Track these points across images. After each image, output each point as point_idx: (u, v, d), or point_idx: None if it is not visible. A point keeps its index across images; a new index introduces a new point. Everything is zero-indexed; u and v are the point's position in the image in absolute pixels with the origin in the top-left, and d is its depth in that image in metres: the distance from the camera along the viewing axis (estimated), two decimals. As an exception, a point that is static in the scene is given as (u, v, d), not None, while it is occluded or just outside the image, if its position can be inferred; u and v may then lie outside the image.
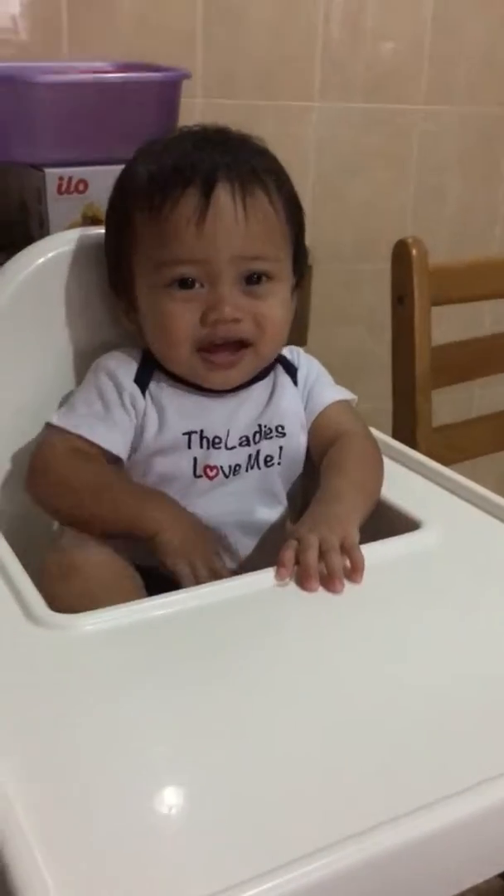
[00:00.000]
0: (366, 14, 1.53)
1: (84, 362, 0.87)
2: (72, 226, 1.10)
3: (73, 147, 1.12)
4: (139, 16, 1.36)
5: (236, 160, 0.77)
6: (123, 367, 0.81)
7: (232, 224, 0.75)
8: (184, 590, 0.68)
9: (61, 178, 1.10)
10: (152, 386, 0.81)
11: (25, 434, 0.85)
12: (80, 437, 0.78)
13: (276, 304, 0.79)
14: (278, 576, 0.67)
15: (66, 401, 0.84)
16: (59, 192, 1.11)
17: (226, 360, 0.78)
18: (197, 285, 0.76)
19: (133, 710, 0.55)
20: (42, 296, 0.85)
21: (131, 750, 0.52)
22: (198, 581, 0.71)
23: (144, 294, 0.79)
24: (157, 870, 0.44)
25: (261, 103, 1.49)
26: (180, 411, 0.80)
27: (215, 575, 0.72)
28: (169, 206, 0.75)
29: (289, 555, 0.68)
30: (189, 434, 0.80)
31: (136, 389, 0.80)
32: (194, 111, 1.39)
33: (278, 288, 0.79)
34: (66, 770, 0.50)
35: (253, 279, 0.77)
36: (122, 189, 0.82)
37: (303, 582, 0.67)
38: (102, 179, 1.10)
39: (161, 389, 0.81)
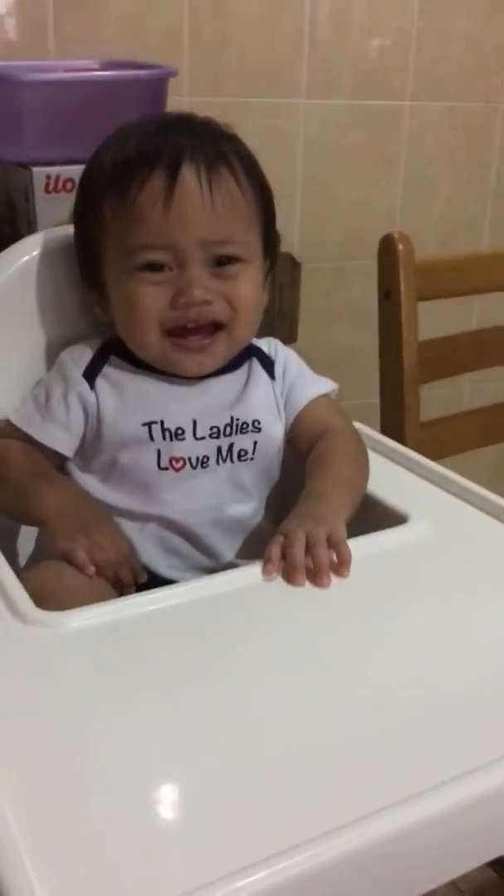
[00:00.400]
0: (353, 10, 1.53)
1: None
2: (59, 224, 1.10)
3: (60, 146, 1.11)
4: (126, 14, 1.36)
5: (202, 142, 0.76)
6: (75, 360, 0.82)
7: (199, 206, 0.74)
8: (171, 586, 0.68)
9: (49, 177, 1.10)
10: (108, 375, 0.80)
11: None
12: (24, 433, 0.80)
13: (247, 285, 0.78)
14: (265, 572, 0.67)
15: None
16: (47, 190, 1.10)
17: (198, 344, 0.78)
18: (166, 269, 0.76)
19: (122, 707, 0.55)
20: (29, 293, 0.85)
21: (121, 746, 0.52)
22: (97, 564, 0.71)
23: (114, 281, 0.78)
24: (149, 868, 0.44)
25: (248, 100, 1.49)
26: (139, 400, 0.79)
27: (114, 555, 0.72)
28: (135, 190, 0.74)
29: (275, 550, 0.68)
30: (149, 425, 0.78)
31: (83, 384, 0.80)
32: (182, 109, 1.38)
33: (249, 270, 0.78)
34: (55, 768, 0.50)
35: (222, 261, 0.77)
36: (88, 177, 0.81)
37: (289, 576, 0.67)
38: (90, 178, 1.11)
39: (119, 378, 0.80)
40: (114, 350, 0.82)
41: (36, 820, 0.46)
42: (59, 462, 0.81)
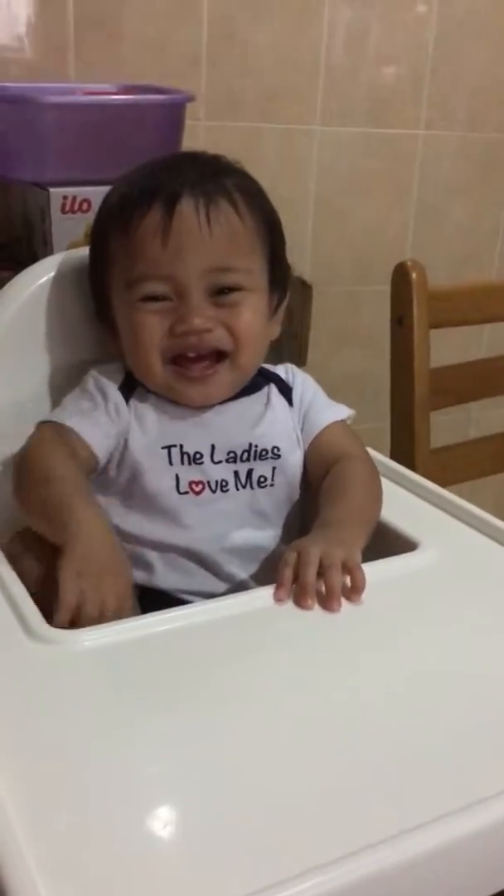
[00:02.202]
0: (368, 39, 1.54)
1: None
2: (74, 244, 1.11)
3: (77, 167, 1.12)
4: (145, 38, 1.37)
5: (202, 177, 0.77)
6: (110, 376, 0.82)
7: (196, 237, 0.75)
8: (182, 607, 0.68)
9: (65, 198, 1.11)
10: (136, 397, 0.81)
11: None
12: (62, 426, 0.78)
13: (248, 313, 0.78)
14: (277, 598, 0.67)
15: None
16: (63, 211, 1.11)
17: (201, 374, 0.78)
18: (167, 300, 0.76)
19: (130, 726, 0.55)
20: (45, 314, 0.86)
21: (128, 765, 0.52)
22: (81, 617, 0.65)
23: (120, 315, 0.80)
24: (153, 884, 0.44)
25: (263, 126, 1.50)
26: (160, 425, 0.80)
27: (106, 618, 0.65)
28: (135, 224, 0.76)
29: (288, 573, 0.68)
30: (168, 448, 0.79)
31: (119, 398, 0.80)
32: (198, 133, 1.40)
33: (252, 298, 0.79)
34: (63, 784, 0.50)
35: (224, 291, 0.77)
36: (99, 216, 0.83)
37: (298, 599, 0.67)
38: (106, 199, 1.12)
39: (143, 402, 0.81)
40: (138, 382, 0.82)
41: (42, 834, 0.46)
42: (90, 468, 0.79)
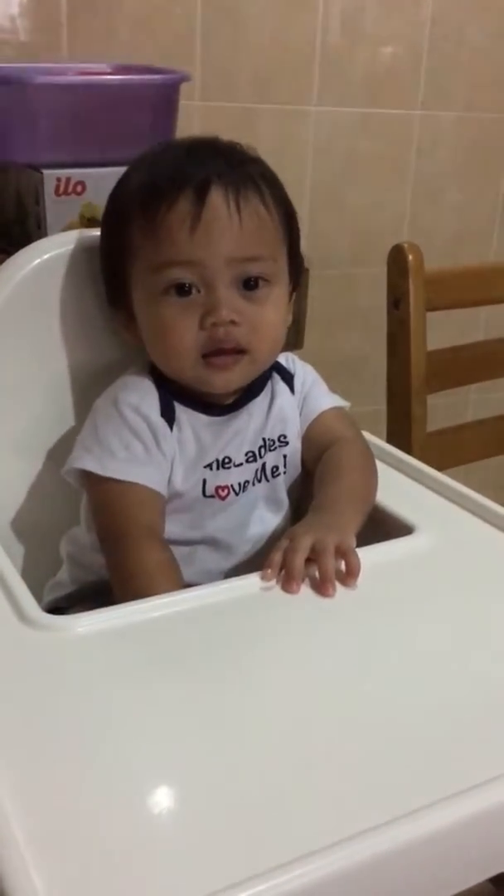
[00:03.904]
0: (364, 18, 1.53)
1: (81, 367, 0.87)
2: (69, 226, 1.10)
3: (71, 148, 1.11)
4: (138, 18, 1.36)
5: (229, 165, 0.77)
6: (146, 400, 0.79)
7: (226, 225, 0.75)
8: (178, 591, 0.68)
9: (59, 180, 1.10)
10: (176, 419, 0.79)
11: (19, 443, 0.86)
12: (136, 484, 0.76)
13: (272, 311, 0.78)
14: (263, 577, 0.68)
15: (88, 441, 0.79)
16: (57, 193, 1.10)
17: (224, 362, 0.78)
18: (194, 291, 0.76)
19: (126, 712, 0.55)
20: (40, 297, 0.85)
21: (125, 752, 0.52)
22: None
23: (142, 304, 0.78)
24: (151, 872, 0.44)
25: (259, 106, 1.49)
26: (196, 441, 0.80)
27: None
28: (164, 210, 0.75)
29: (277, 556, 0.69)
30: (209, 465, 0.80)
31: (165, 427, 0.78)
32: (193, 114, 1.39)
33: (276, 293, 0.79)
34: (59, 772, 0.50)
35: (250, 283, 0.77)
36: (116, 200, 0.82)
37: (284, 583, 0.67)
38: (100, 181, 1.11)
39: (180, 421, 0.80)
40: (167, 384, 0.80)
41: (40, 823, 0.46)
42: (162, 510, 0.78)
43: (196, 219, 0.74)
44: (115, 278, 0.82)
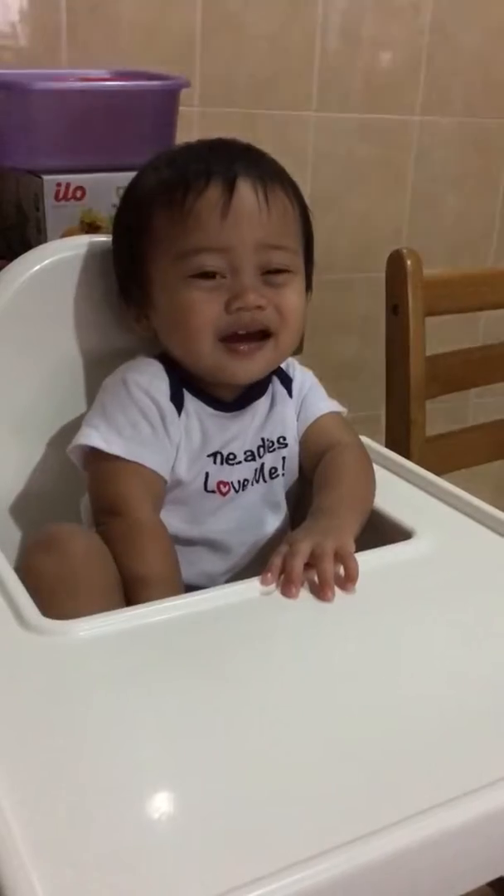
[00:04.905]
0: (363, 25, 1.53)
1: (80, 371, 0.87)
2: (69, 232, 1.10)
3: (71, 154, 1.12)
4: (138, 24, 1.37)
5: (252, 160, 0.79)
6: (155, 383, 0.79)
7: (255, 212, 0.76)
8: (177, 597, 0.68)
9: (59, 185, 1.11)
10: (185, 405, 0.80)
11: (22, 445, 0.86)
12: (139, 465, 0.76)
13: (294, 295, 0.79)
14: (262, 581, 0.68)
15: (95, 419, 0.79)
16: (57, 198, 1.11)
17: (248, 349, 0.78)
18: (219, 276, 0.76)
19: (126, 716, 0.55)
20: (39, 303, 0.85)
21: (124, 756, 0.52)
22: None
23: (164, 292, 0.78)
24: (150, 875, 0.44)
25: (258, 112, 1.50)
26: (202, 432, 0.80)
27: None
28: (192, 198, 0.76)
29: (277, 561, 0.69)
30: (213, 455, 0.80)
31: (174, 412, 0.79)
32: (192, 120, 1.40)
33: (297, 281, 0.80)
34: (59, 775, 0.50)
35: (272, 272, 0.77)
36: (132, 197, 0.82)
37: (283, 587, 0.67)
38: (100, 186, 1.11)
39: (189, 408, 0.80)
40: (179, 374, 0.80)
41: (40, 826, 0.46)
42: (162, 495, 0.79)
43: (226, 206, 0.75)
44: (131, 272, 0.82)
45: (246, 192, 0.76)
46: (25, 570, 0.70)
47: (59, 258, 0.86)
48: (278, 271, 0.78)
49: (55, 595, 0.68)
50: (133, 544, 0.74)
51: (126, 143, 1.13)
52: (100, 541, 0.74)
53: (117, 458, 0.76)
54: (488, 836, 0.50)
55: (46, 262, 0.86)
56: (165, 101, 1.20)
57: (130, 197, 0.83)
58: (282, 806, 0.49)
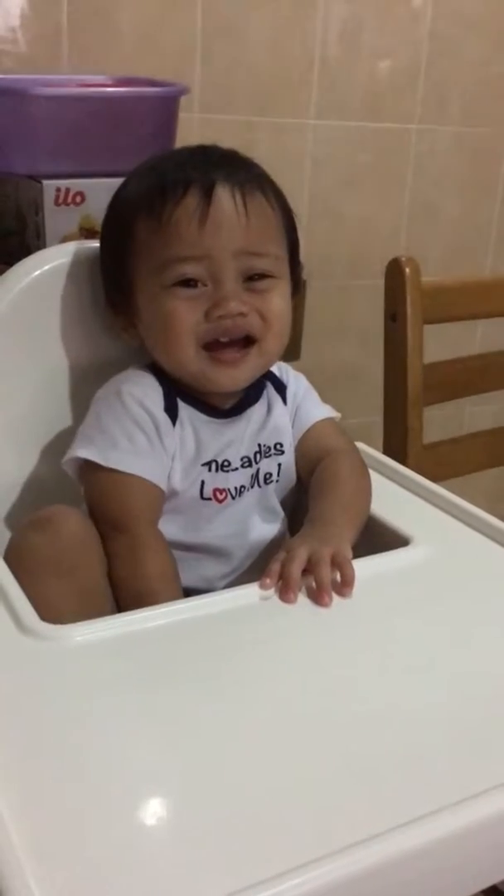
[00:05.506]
0: (363, 33, 1.54)
1: (80, 377, 0.87)
2: (68, 237, 1.10)
3: (70, 159, 1.12)
4: (139, 31, 1.37)
5: (232, 167, 0.79)
6: (149, 395, 0.79)
7: (233, 219, 0.76)
8: (174, 602, 0.68)
9: (59, 190, 1.11)
10: (179, 416, 0.80)
11: (18, 453, 0.86)
12: (136, 477, 0.76)
13: (278, 299, 0.79)
14: (261, 586, 0.68)
15: (90, 430, 0.79)
16: (57, 203, 1.11)
17: (232, 357, 0.78)
18: (200, 285, 0.76)
19: (124, 721, 0.55)
20: (38, 309, 0.86)
21: (123, 761, 0.52)
22: None
23: (147, 301, 0.79)
24: (147, 879, 0.44)
25: (258, 119, 1.50)
26: (196, 440, 0.80)
27: None
28: (170, 207, 0.76)
29: (275, 567, 0.69)
30: (208, 464, 0.80)
31: (168, 422, 0.79)
32: (192, 126, 1.40)
33: (280, 285, 0.79)
34: (58, 781, 0.50)
35: (255, 278, 0.77)
36: (118, 204, 0.82)
37: (281, 592, 0.68)
38: (100, 191, 1.11)
39: (184, 417, 0.80)
40: (172, 383, 0.81)
41: (38, 831, 0.46)
42: (161, 506, 0.79)
43: (204, 214, 0.75)
44: (117, 281, 0.82)
45: (224, 199, 0.76)
46: (15, 547, 0.71)
47: (58, 264, 0.86)
48: (261, 276, 0.78)
49: (40, 573, 0.69)
50: (134, 561, 0.74)
51: (126, 149, 1.13)
52: (90, 524, 0.75)
53: (114, 470, 0.76)
54: (486, 843, 0.50)
55: (45, 267, 0.86)
56: (165, 107, 1.20)
57: (113, 206, 0.83)
58: (279, 810, 0.49)
